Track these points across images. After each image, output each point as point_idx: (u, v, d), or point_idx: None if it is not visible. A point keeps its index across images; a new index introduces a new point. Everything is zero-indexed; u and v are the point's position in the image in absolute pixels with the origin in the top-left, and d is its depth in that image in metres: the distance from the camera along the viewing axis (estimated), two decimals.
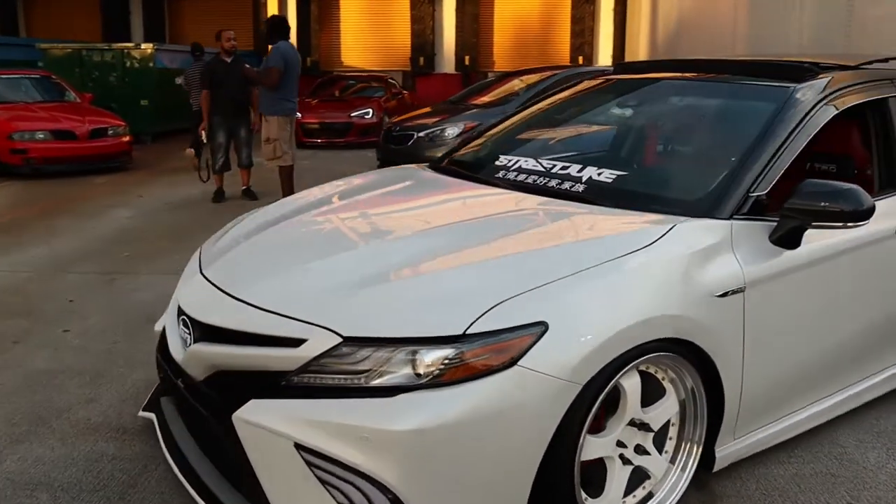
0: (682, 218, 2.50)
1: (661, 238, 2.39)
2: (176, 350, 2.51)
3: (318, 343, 2.08)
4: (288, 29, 7.78)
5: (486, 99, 10.39)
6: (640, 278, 2.29)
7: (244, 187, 8.67)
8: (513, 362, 2.01)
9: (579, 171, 2.98)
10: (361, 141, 13.59)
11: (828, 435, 3.10)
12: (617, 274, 2.26)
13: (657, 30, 16.91)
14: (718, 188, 2.63)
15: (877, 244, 2.95)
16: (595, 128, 3.55)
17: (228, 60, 8.30)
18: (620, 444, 2.34)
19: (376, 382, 2.03)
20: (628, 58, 19.84)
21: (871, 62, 3.44)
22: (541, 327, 2.05)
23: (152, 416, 2.93)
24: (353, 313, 2.13)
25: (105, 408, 3.34)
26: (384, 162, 9.94)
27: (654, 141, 3.20)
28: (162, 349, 2.78)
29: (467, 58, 20.88)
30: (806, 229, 2.58)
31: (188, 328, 2.43)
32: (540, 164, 3.17)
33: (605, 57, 20.53)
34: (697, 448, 2.52)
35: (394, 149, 9.46)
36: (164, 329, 2.83)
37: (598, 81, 3.89)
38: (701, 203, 2.60)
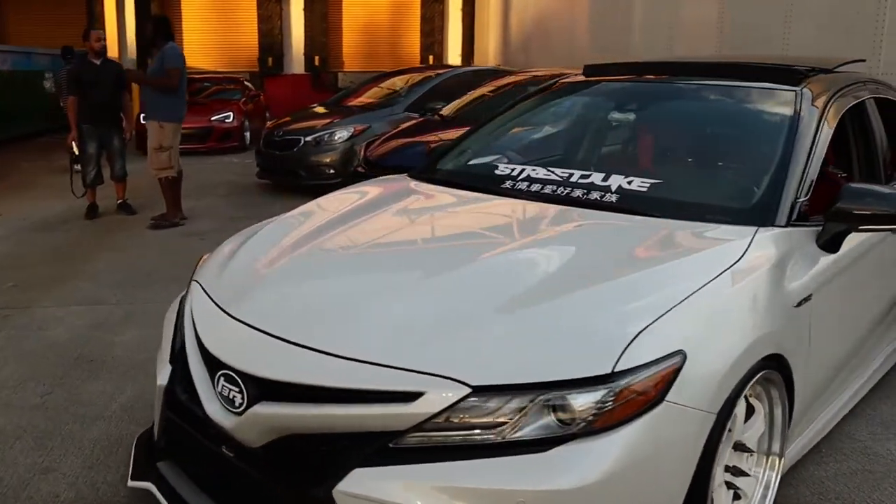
0: (751, 228, 2.42)
1: (747, 251, 2.30)
2: (216, 411, 2.09)
3: (439, 396, 1.79)
4: (172, 29, 7.14)
5: (365, 100, 10.07)
6: (745, 295, 2.20)
7: (120, 201, 7.86)
8: (661, 398, 1.83)
9: (603, 179, 2.84)
10: (223, 146, 12.85)
11: (842, 430, 3.16)
12: (725, 293, 2.14)
13: (510, 29, 17.27)
14: (770, 195, 2.58)
15: (884, 240, 3.05)
16: (594, 133, 3.41)
17: (98, 62, 7.46)
18: (726, 468, 2.23)
19: (517, 436, 1.77)
20: (478, 57, 20.18)
21: (842, 64, 3.56)
22: (680, 357, 1.88)
23: (150, 486, 2.46)
24: (477, 357, 1.85)
25: (71, 478, 2.80)
26: (265, 169, 9.38)
27: (673, 146, 3.11)
28: (176, 409, 2.34)
29: (317, 58, 20.38)
30: (850, 233, 2.60)
31: (237, 385, 2.04)
32: (552, 172, 3.00)
33: (454, 56, 20.74)
34: (779, 461, 2.46)
35: (278, 155, 8.93)
36: (170, 384, 2.38)
37: (571, 83, 3.76)
38: (759, 211, 2.53)
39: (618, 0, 11.55)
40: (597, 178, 2.86)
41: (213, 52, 19.99)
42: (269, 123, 9.80)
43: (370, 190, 3.29)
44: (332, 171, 8.57)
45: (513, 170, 3.09)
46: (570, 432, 1.76)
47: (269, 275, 2.40)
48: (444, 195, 3.06)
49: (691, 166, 3.00)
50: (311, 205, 3.15)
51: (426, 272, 2.30)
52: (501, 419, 1.78)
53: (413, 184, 3.28)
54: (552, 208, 2.74)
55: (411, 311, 2.05)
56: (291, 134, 8.92)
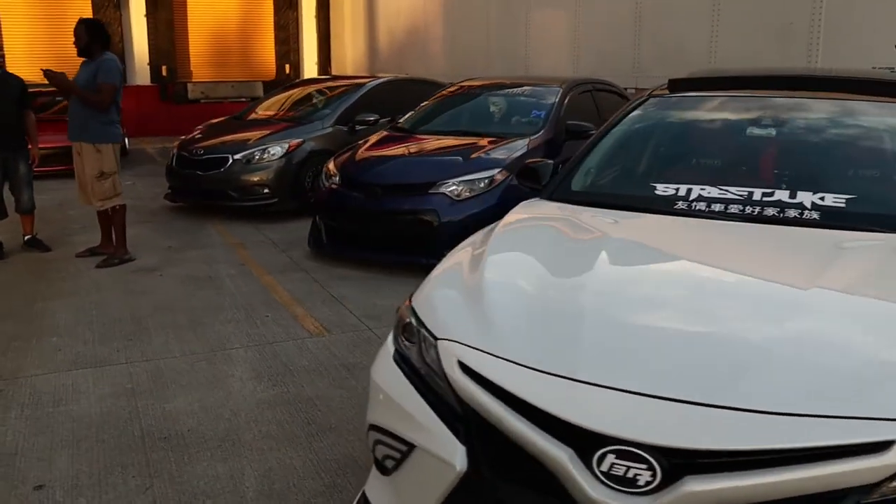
0: None
1: None
2: (604, 496, 1.73)
3: None
4: (110, 37, 6.22)
5: (280, 114, 9.33)
6: None
7: (28, 237, 6.79)
8: None
9: (790, 196, 2.78)
10: None
11: None
12: None
13: (377, 38, 17.01)
14: None
15: None
16: (747, 148, 3.22)
17: None
18: None
19: None
20: (335, 66, 19.72)
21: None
22: None
23: None
24: None
25: None
26: (180, 191, 8.48)
27: (840, 160, 3.01)
28: (488, 496, 1.93)
29: (164, 67, 18.98)
30: None
31: (642, 461, 1.71)
32: (727, 191, 2.88)
33: (311, 65, 20.15)
34: None
35: (201, 175, 8.07)
36: (473, 467, 1.94)
37: (678, 98, 3.61)
38: None
39: (512, 7, 11.67)
40: (781, 195, 2.79)
41: (43, 61, 17.90)
42: (176, 142, 8.86)
43: (566, 219, 2.95)
44: (266, 191, 7.88)
45: (677, 189, 2.95)
46: None
47: (587, 322, 2.06)
48: (638, 218, 2.86)
49: (871, 179, 3.00)
50: (508, 237, 2.75)
51: (770, 304, 2.14)
52: None
53: (579, 209, 2.98)
54: (784, 229, 2.65)
55: (802, 350, 1.90)
56: (215, 152, 8.09)
